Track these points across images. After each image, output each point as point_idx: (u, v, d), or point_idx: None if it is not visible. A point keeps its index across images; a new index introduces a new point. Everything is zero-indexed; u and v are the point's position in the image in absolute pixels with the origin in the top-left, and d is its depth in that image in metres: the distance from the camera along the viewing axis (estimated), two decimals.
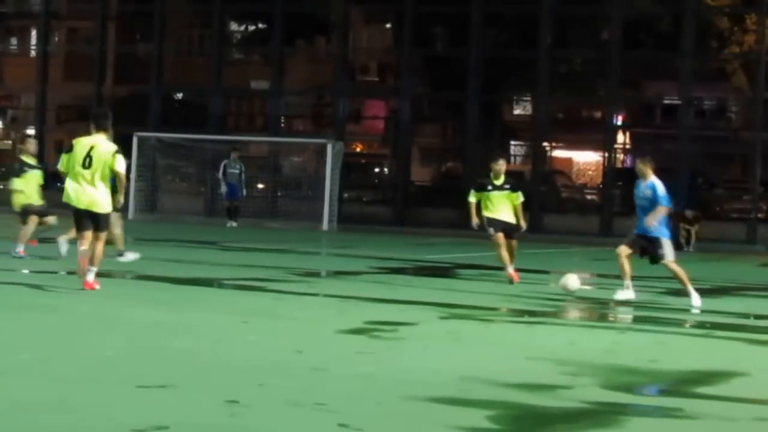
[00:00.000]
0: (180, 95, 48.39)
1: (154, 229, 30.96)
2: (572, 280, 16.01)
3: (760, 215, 37.56)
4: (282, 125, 44.27)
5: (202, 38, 46.69)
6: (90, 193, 14.71)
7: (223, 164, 35.74)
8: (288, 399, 7.85)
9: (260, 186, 41.21)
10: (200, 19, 46.75)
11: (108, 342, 10.26)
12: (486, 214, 18.45)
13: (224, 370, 8.97)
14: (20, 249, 18.87)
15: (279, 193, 39.73)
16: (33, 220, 19.23)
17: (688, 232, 33.61)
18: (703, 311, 15.47)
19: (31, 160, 19.76)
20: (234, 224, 34.76)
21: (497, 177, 18.49)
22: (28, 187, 19.40)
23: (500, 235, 17.81)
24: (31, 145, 20.39)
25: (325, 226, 35.49)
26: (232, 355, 9.83)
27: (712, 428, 7.78)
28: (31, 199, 19.36)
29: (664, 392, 9.12)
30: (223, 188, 35.60)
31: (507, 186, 18.29)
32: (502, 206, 18.24)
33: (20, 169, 19.54)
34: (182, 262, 20.29)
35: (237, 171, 35.59)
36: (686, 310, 15.53)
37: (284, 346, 10.37)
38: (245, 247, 25.80)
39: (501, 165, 18.62)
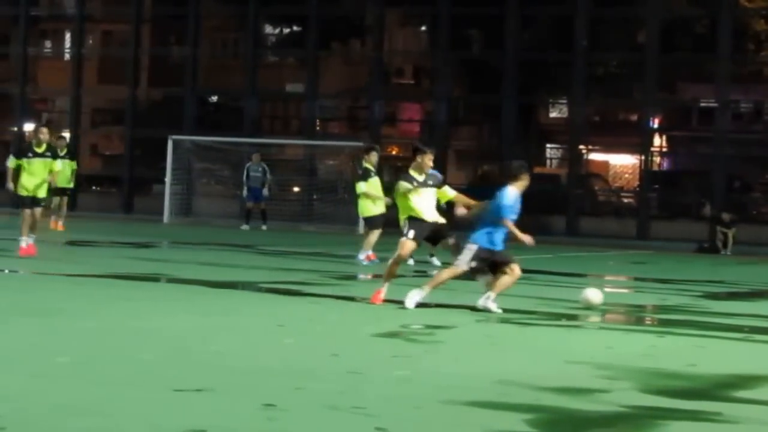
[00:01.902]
0: (215, 98, 48.51)
1: (190, 233, 31.04)
2: (593, 294, 15.65)
3: None
4: (317, 128, 44.30)
5: (237, 41, 46.76)
6: None
7: (246, 167, 35.76)
8: (325, 403, 7.85)
9: (296, 189, 41.24)
10: (235, 22, 46.86)
11: (144, 346, 10.29)
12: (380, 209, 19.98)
13: (261, 374, 8.98)
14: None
15: (314, 197, 39.74)
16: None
17: (725, 235, 33.44)
18: (741, 315, 15.38)
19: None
20: (264, 227, 34.75)
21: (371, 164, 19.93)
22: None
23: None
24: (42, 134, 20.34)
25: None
26: (268, 358, 9.83)
27: None
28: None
29: (702, 396, 9.04)
30: (244, 191, 35.60)
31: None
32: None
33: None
34: (218, 265, 20.30)
35: (259, 174, 35.59)
36: (725, 314, 15.44)
37: (321, 350, 10.36)
38: (281, 250, 25.82)
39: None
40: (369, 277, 19.68)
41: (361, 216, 23.15)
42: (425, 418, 7.63)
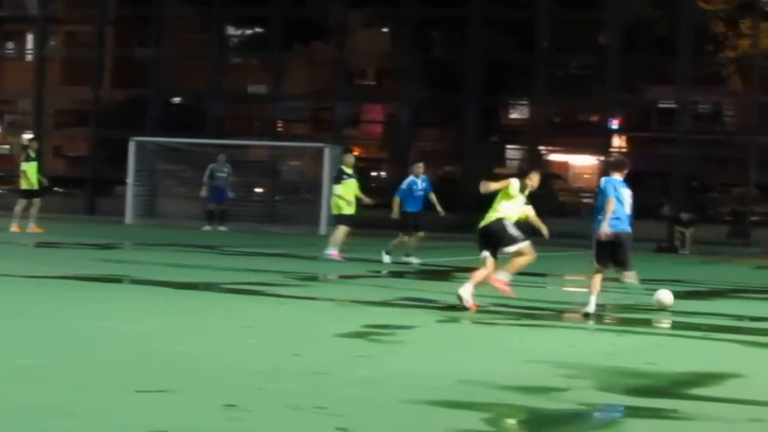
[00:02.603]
0: (178, 99, 48.40)
1: (153, 234, 30.99)
2: (665, 295, 15.70)
3: (755, 218, 37.65)
4: (280, 129, 44.29)
5: (201, 42, 46.70)
6: None
7: (210, 168, 35.71)
8: (287, 403, 7.88)
9: (259, 190, 41.23)
10: (199, 23, 46.78)
11: (108, 347, 10.28)
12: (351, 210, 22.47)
13: (223, 375, 8.99)
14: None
15: (277, 198, 39.75)
16: None
17: (684, 234, 33.70)
18: (699, 314, 15.54)
19: None
20: (223, 228, 34.75)
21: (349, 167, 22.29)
22: None
23: None
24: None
25: (323, 230, 35.53)
26: (231, 359, 9.85)
27: (708, 429, 7.83)
28: None
29: (661, 394, 9.13)
30: (204, 192, 35.54)
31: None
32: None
33: None
34: (182, 266, 20.30)
35: (224, 175, 35.61)
36: (684, 313, 15.58)
37: (283, 350, 10.39)
38: (245, 251, 25.83)
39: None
40: (335, 277, 19.73)
41: (333, 213, 23.76)
42: (388, 417, 7.67)
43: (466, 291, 14.39)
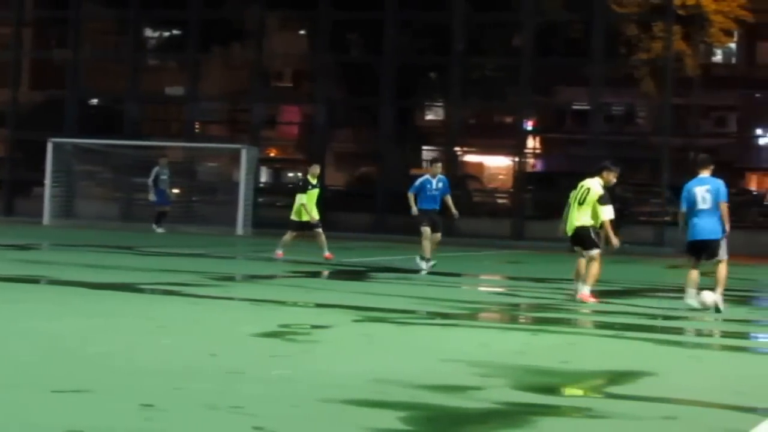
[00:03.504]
0: (96, 101, 48.08)
1: (70, 235, 30.74)
2: (707, 296, 16.02)
3: (668, 218, 38.16)
4: (197, 131, 44.14)
5: (118, 44, 46.40)
6: None
7: (155, 171, 35.60)
8: (204, 402, 7.87)
9: (176, 191, 41.11)
10: (116, 25, 46.49)
11: (24, 347, 10.22)
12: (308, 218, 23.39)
13: (140, 375, 8.97)
14: None
15: (195, 198, 39.66)
16: None
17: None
18: (613, 312, 15.72)
19: None
20: (162, 230, 34.67)
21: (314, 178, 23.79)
22: None
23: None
24: None
25: (240, 230, 35.49)
26: (147, 359, 9.83)
27: (620, 427, 7.89)
28: None
29: (574, 392, 9.26)
30: (152, 196, 35.40)
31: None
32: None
33: None
34: (98, 267, 20.19)
35: (167, 177, 35.57)
36: (597, 312, 15.77)
37: (200, 350, 10.39)
38: (162, 252, 25.73)
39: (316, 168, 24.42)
40: (251, 277, 19.69)
41: (291, 217, 24.14)
42: (303, 416, 7.69)
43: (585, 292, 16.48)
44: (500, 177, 50.04)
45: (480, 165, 51.76)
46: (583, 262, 16.97)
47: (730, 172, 42.32)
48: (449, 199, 23.01)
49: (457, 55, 39.41)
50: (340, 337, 12.02)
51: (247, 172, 37.01)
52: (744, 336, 14.60)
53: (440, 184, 22.84)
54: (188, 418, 7.46)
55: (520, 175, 40.19)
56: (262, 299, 15.48)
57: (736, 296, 18.81)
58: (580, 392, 9.29)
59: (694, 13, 39.96)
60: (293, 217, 23.97)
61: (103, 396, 8.07)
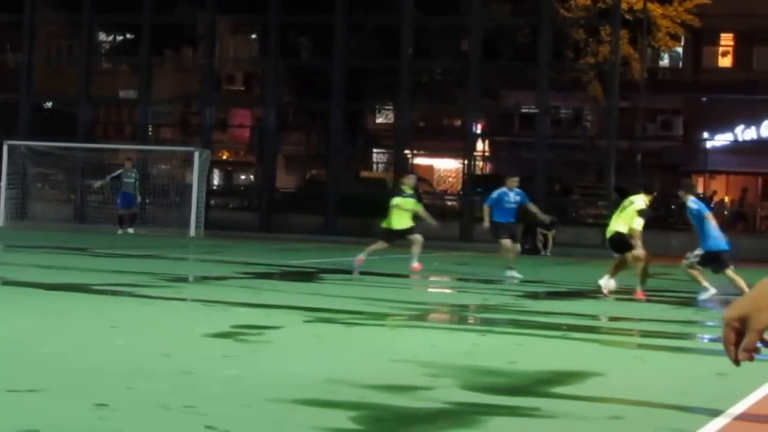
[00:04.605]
0: (49, 104, 47.94)
1: (24, 236, 30.68)
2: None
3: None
4: (150, 134, 44.07)
5: (72, 48, 46.25)
6: None
7: (118, 173, 35.69)
8: (156, 402, 7.91)
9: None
10: (69, 29, 46.34)
11: None
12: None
13: (93, 374, 9.00)
14: None
15: (147, 201, 39.65)
16: None
17: (545, 236, 34.33)
18: (560, 313, 15.86)
19: None
20: (131, 230, 34.75)
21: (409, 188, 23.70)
22: None
23: None
24: None
25: (192, 232, 35.51)
26: (100, 359, 9.85)
27: (567, 427, 7.94)
28: None
29: (522, 392, 9.28)
30: (99, 183, 35.47)
31: None
32: None
33: None
34: (51, 268, 20.18)
35: (132, 180, 35.59)
36: (544, 313, 15.93)
37: (152, 350, 10.43)
38: (114, 253, 25.71)
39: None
40: (203, 278, 19.72)
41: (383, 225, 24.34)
42: (254, 415, 7.74)
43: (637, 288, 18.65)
44: (449, 179, 50.17)
45: (430, 168, 51.86)
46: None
47: (676, 174, 42.68)
48: (532, 206, 24.73)
49: (405, 59, 39.57)
50: (291, 337, 12.08)
51: (200, 174, 37.05)
52: (689, 337, 14.82)
53: (518, 197, 23.56)
54: (141, 418, 7.48)
55: (468, 177, 40.39)
56: (213, 300, 15.51)
57: (680, 298, 19.10)
58: (527, 392, 9.30)
59: (640, 18, 40.35)
60: (385, 225, 23.92)
61: (57, 395, 8.09)
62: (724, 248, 19.09)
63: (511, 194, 23.44)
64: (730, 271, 18.79)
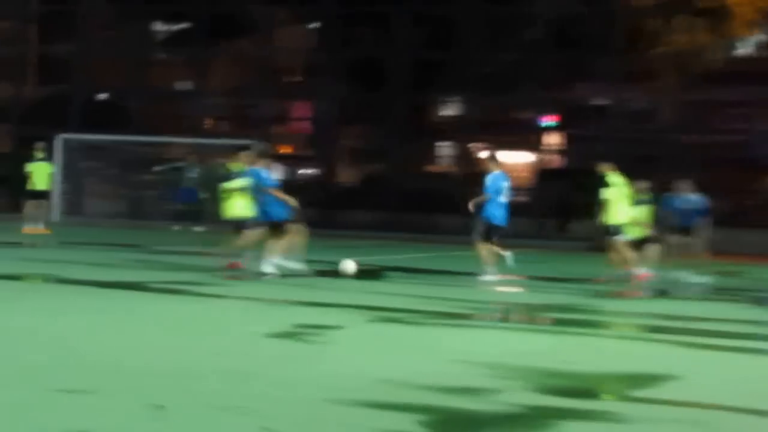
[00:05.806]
0: (103, 96, 48.10)
1: (79, 232, 30.76)
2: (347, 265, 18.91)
3: None
4: (205, 126, 44.12)
5: (125, 39, 46.36)
6: None
7: (181, 165, 35.82)
8: (212, 403, 7.76)
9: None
10: (123, 20, 46.45)
11: (27, 346, 10.10)
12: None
13: (149, 375, 8.83)
14: None
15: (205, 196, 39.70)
16: None
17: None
18: (632, 314, 15.50)
19: None
20: (199, 229, 34.66)
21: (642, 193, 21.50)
22: None
23: None
24: None
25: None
26: (157, 359, 9.69)
27: (640, 431, 7.68)
28: None
29: (593, 395, 9.06)
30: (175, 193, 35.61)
31: None
32: None
33: None
34: (107, 265, 20.11)
35: (195, 175, 35.65)
36: (619, 314, 15.62)
37: (210, 350, 10.27)
38: (170, 250, 25.70)
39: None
40: (265, 276, 19.46)
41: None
42: (312, 417, 7.54)
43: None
44: (520, 174, 49.86)
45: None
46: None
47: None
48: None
49: (470, 50, 39.25)
50: (352, 337, 11.84)
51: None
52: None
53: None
54: (196, 419, 7.34)
55: (538, 171, 40.16)
56: (273, 299, 15.40)
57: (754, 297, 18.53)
58: (600, 395, 9.11)
59: (716, 6, 39.76)
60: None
61: (109, 396, 7.95)
62: None
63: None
64: None
